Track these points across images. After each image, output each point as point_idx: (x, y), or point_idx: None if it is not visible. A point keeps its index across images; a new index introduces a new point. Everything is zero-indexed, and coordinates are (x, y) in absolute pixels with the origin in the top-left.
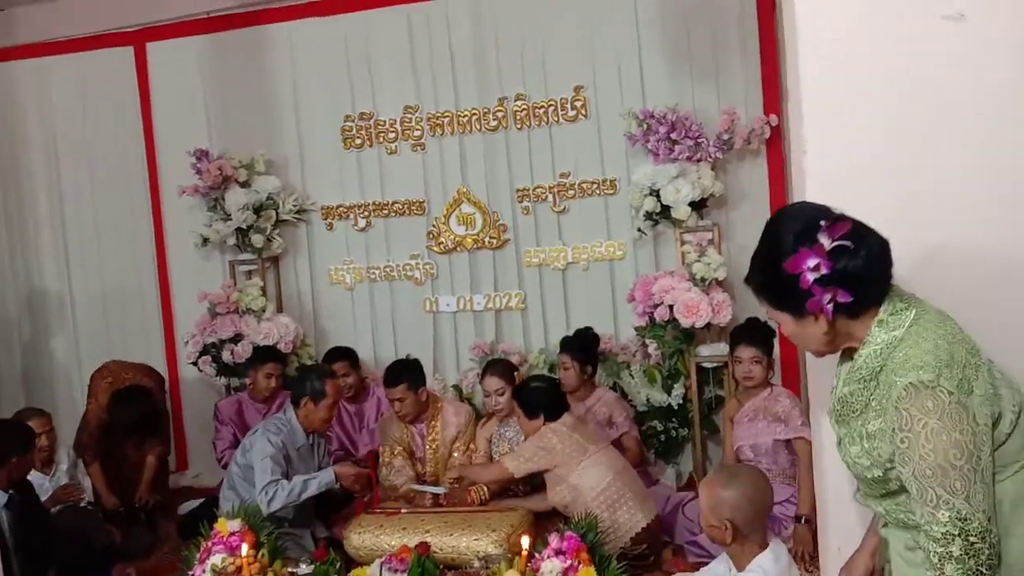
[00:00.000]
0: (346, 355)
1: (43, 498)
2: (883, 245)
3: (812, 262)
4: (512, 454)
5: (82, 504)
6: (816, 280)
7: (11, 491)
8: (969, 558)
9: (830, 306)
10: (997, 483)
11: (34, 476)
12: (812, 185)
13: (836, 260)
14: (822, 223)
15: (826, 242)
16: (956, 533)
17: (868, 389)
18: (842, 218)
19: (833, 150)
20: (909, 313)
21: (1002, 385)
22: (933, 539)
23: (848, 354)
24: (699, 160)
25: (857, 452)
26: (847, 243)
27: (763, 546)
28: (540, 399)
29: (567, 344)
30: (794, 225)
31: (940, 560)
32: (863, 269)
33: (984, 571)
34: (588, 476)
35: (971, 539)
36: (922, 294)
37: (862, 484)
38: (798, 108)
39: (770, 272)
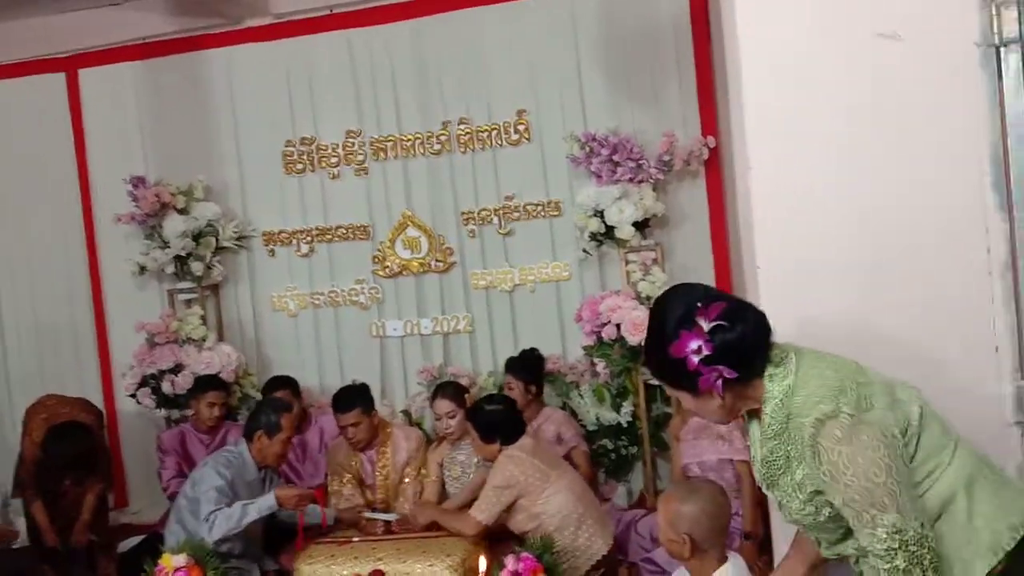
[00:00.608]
0: (287, 384)
1: None
2: (759, 318)
3: (694, 344)
4: (477, 505)
5: (14, 546)
6: (701, 360)
7: None
8: (914, 566)
9: (719, 383)
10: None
11: None
12: (757, 201)
13: (716, 339)
14: (698, 305)
15: (704, 324)
16: (896, 547)
17: (783, 442)
18: (717, 298)
19: (777, 166)
20: (791, 360)
21: (899, 388)
22: (879, 557)
23: (754, 415)
24: (641, 181)
25: (798, 506)
26: (723, 322)
27: (722, 560)
28: (496, 422)
29: (511, 365)
30: (675, 310)
31: (888, 574)
32: (742, 344)
33: (931, 574)
34: (551, 504)
35: (911, 548)
36: (869, 308)
37: (822, 535)
38: (741, 125)
39: (660, 357)
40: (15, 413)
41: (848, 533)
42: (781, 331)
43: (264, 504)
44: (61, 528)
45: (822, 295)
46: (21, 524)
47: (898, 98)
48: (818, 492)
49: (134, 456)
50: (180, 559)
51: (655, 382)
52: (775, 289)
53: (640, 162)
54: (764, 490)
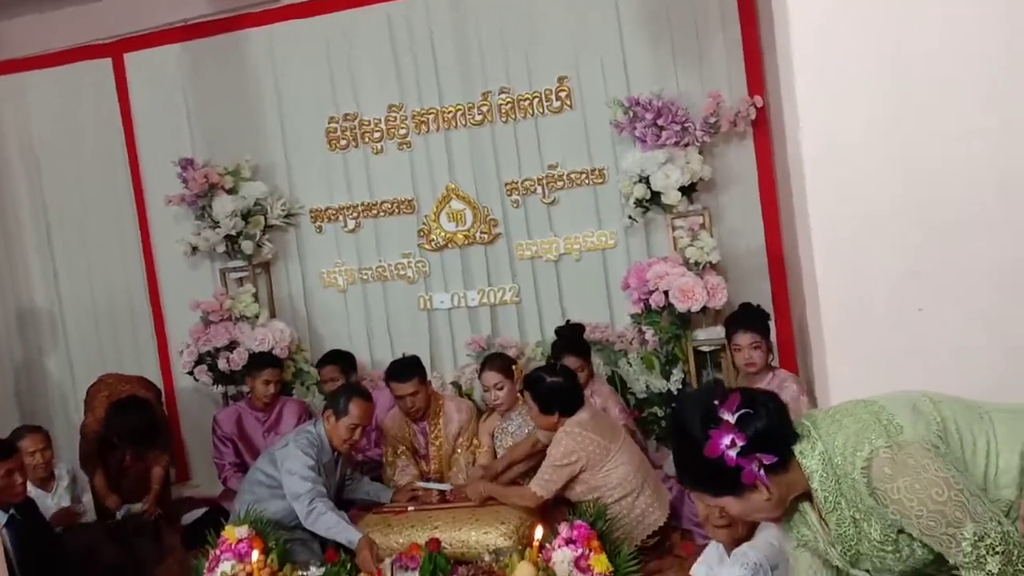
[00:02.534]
0: (337, 359)
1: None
2: (774, 399)
3: (727, 439)
4: (537, 478)
5: (82, 522)
6: (738, 454)
7: (12, 510)
8: (1008, 566)
9: (761, 472)
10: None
11: (35, 493)
12: (809, 160)
13: (745, 429)
14: (716, 402)
15: (729, 417)
16: (985, 553)
17: (843, 508)
18: (730, 391)
19: (828, 123)
20: (809, 430)
21: (910, 396)
22: (971, 568)
23: (800, 505)
24: (687, 145)
25: (894, 560)
26: (748, 410)
27: (750, 528)
28: (555, 394)
29: (562, 345)
30: (695, 413)
31: None
32: (771, 425)
33: (1022, 567)
34: (612, 476)
35: (998, 549)
36: (926, 264)
37: (932, 568)
38: (790, 82)
39: (696, 465)
40: (79, 394)
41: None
42: (838, 292)
43: (348, 537)
44: (124, 502)
45: (878, 253)
46: (88, 500)
47: (952, 49)
48: (901, 531)
49: (193, 432)
50: (242, 531)
51: (705, 348)
52: (829, 249)
53: (685, 125)
54: (851, 570)
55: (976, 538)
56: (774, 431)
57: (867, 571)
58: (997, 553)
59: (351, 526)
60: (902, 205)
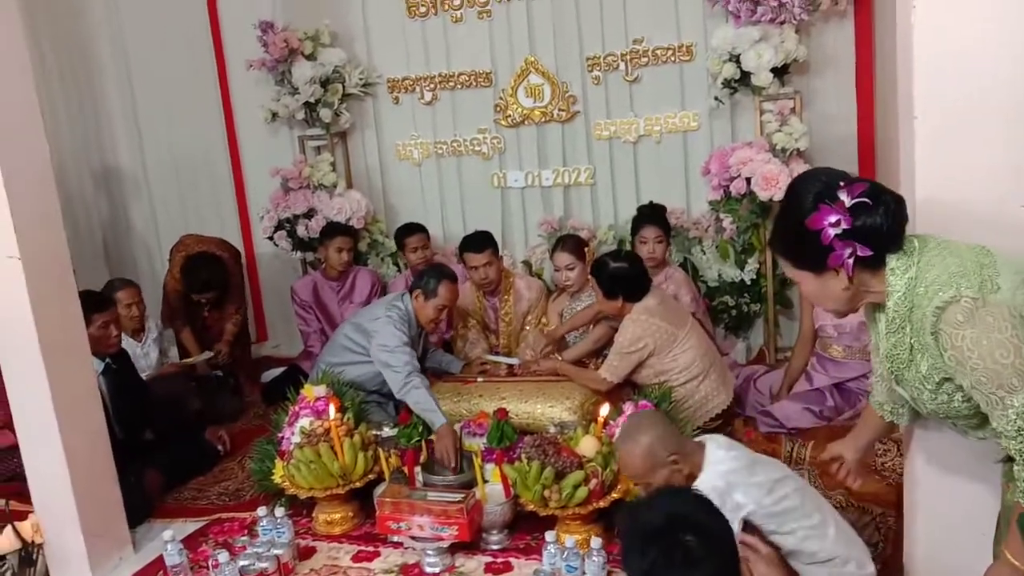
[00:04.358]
0: (417, 230)
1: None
2: (899, 201)
3: (833, 218)
4: (606, 364)
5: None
6: (837, 235)
7: (108, 359)
8: None
9: (851, 260)
10: None
11: (126, 343)
12: (920, 44)
13: (856, 216)
14: (841, 183)
15: (846, 199)
16: None
17: (906, 334)
18: (859, 179)
19: (944, 4)
20: (913, 251)
21: None
22: (1010, 437)
23: (878, 309)
24: (783, 22)
25: (929, 396)
26: (867, 200)
27: (701, 447)
28: (621, 278)
29: (645, 215)
30: (815, 186)
31: (1021, 456)
32: (881, 224)
33: None
34: (679, 361)
35: None
36: None
37: (960, 422)
38: None
39: (792, 231)
40: (163, 251)
41: (987, 419)
42: (935, 189)
43: (437, 421)
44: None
45: (982, 146)
46: (174, 353)
47: None
48: (947, 379)
49: (272, 295)
50: (320, 390)
51: None
52: (931, 142)
53: (783, 1)
54: (894, 385)
55: None
56: (882, 231)
57: (908, 395)
58: None
59: (439, 410)
60: (1013, 96)
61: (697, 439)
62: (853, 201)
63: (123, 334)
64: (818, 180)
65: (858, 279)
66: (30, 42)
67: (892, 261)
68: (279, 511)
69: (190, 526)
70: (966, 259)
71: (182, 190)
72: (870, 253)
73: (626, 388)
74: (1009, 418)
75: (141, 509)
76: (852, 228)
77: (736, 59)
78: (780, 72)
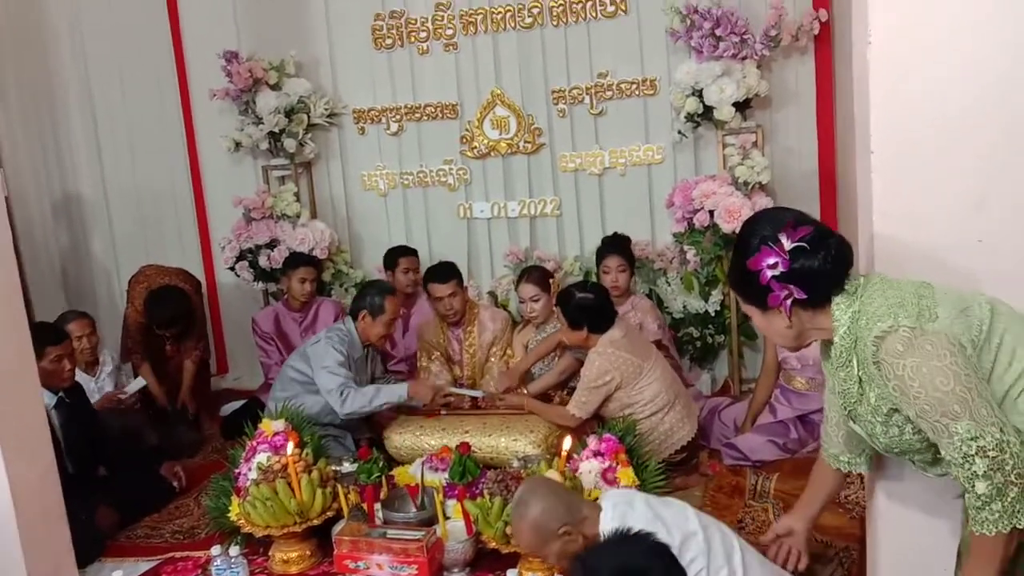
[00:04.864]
0: (413, 252)
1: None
2: (842, 248)
3: (771, 260)
4: (574, 400)
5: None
6: (774, 277)
7: (60, 393)
8: (995, 472)
9: (788, 301)
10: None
11: (80, 377)
12: (876, 78)
13: (794, 259)
14: (785, 226)
15: (786, 243)
16: (973, 452)
17: (853, 367)
18: (806, 222)
19: (899, 40)
20: (857, 287)
21: (969, 297)
22: (957, 465)
23: (828, 347)
24: (744, 58)
25: (881, 430)
26: (805, 245)
27: (597, 508)
28: (585, 310)
29: (609, 245)
30: (761, 227)
31: (969, 481)
32: (819, 268)
33: (1014, 480)
34: (644, 393)
35: (990, 454)
36: (989, 204)
37: (916, 457)
38: None
39: (738, 269)
40: (123, 281)
41: (940, 453)
42: (892, 224)
43: (395, 393)
44: (167, 390)
45: (939, 182)
46: (134, 389)
47: None
48: (895, 410)
49: (233, 326)
50: (279, 424)
51: None
52: (887, 176)
53: (745, 37)
54: (849, 424)
55: (969, 436)
56: (820, 275)
57: (864, 431)
58: (987, 456)
59: (390, 385)
60: (970, 133)
61: (597, 499)
62: (792, 245)
63: (77, 368)
64: (766, 221)
65: (801, 317)
66: None
67: (838, 297)
68: (234, 550)
69: (142, 565)
70: (905, 292)
71: (144, 219)
72: (805, 296)
73: (591, 421)
74: (955, 444)
75: (92, 548)
76: (789, 271)
77: (699, 93)
78: (742, 106)
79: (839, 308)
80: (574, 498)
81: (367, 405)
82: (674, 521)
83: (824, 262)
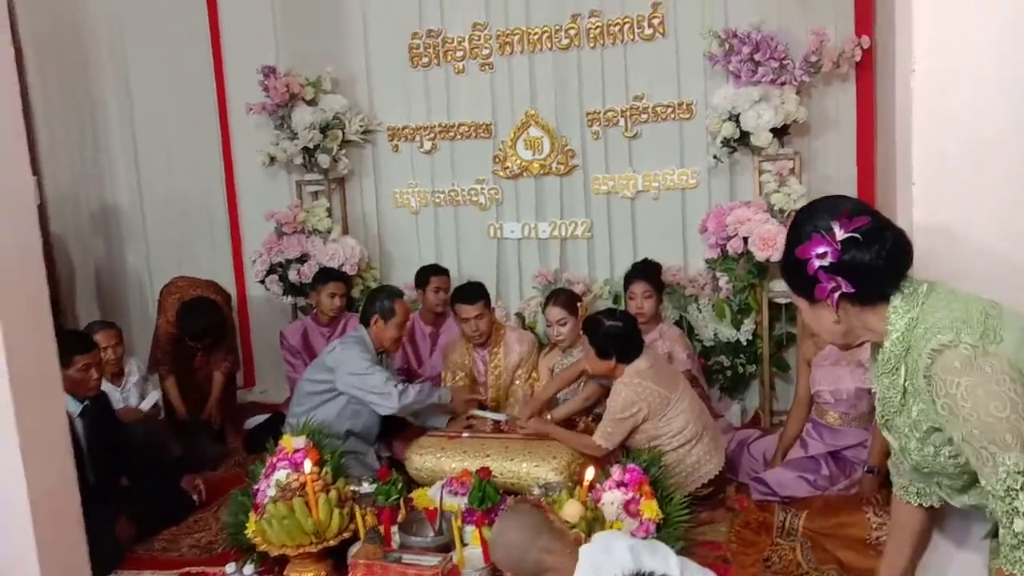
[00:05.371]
0: (445, 272)
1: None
2: (899, 243)
3: (821, 250)
4: (600, 430)
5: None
6: (822, 267)
7: (86, 401)
8: None
9: (835, 295)
10: None
11: (105, 387)
12: (920, 108)
13: (845, 250)
14: (842, 214)
15: (839, 232)
16: (1018, 487)
17: (900, 375)
18: (864, 213)
19: (944, 70)
20: (920, 292)
21: None
22: (998, 498)
23: (877, 351)
24: (783, 83)
25: (916, 446)
26: (858, 236)
27: (574, 547)
28: (613, 338)
29: (638, 271)
30: (817, 214)
31: (1008, 516)
32: (870, 262)
33: None
34: (671, 425)
35: None
36: None
37: (944, 480)
38: (906, 21)
39: (787, 257)
40: (155, 291)
41: (973, 481)
42: (933, 256)
43: (443, 395)
44: (194, 402)
45: (983, 219)
46: (157, 402)
47: None
48: (936, 429)
49: (262, 339)
50: (299, 441)
51: (781, 300)
52: (930, 208)
53: (784, 62)
54: (883, 432)
55: (1016, 470)
56: (871, 269)
57: (897, 443)
58: None
59: (439, 388)
60: (1013, 162)
61: (581, 547)
62: (845, 235)
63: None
64: (823, 208)
65: (849, 313)
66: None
67: (896, 300)
68: (248, 568)
69: None
70: (972, 307)
71: (178, 230)
72: (853, 291)
73: (616, 450)
74: (999, 476)
75: (110, 559)
76: (839, 262)
77: (736, 118)
78: (780, 133)
79: (895, 312)
80: (550, 541)
81: (423, 400)
82: (654, 566)
83: (877, 256)
